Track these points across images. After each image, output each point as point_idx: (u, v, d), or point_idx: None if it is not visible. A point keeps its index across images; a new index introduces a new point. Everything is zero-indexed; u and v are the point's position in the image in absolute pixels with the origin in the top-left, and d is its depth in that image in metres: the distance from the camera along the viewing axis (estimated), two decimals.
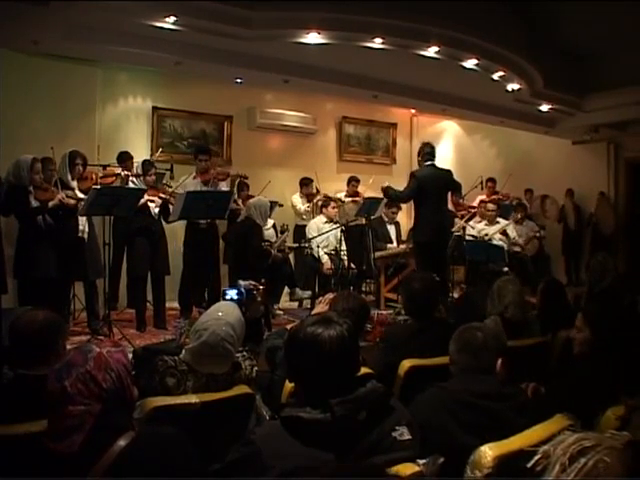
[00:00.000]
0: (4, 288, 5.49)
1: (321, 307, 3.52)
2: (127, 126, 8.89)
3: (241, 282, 3.70)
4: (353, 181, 9.65)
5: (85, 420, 1.76)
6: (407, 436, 2.00)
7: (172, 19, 6.33)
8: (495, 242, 8.84)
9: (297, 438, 1.86)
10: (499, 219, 9.33)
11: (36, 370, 2.53)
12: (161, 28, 6.48)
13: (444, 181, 7.07)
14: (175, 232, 7.37)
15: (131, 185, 6.73)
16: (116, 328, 6.12)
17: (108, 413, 1.80)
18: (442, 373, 2.75)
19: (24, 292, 5.81)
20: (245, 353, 3.02)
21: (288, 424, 1.88)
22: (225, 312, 2.82)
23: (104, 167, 6.96)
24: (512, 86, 8.30)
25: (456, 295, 8.06)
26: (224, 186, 7.43)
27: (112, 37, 6.86)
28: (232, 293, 3.61)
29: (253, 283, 3.69)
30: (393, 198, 7.52)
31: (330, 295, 3.68)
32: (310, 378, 1.95)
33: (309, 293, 8.10)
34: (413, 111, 11.77)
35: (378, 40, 6.81)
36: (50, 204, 5.89)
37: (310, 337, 1.96)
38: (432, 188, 6.87)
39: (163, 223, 6.88)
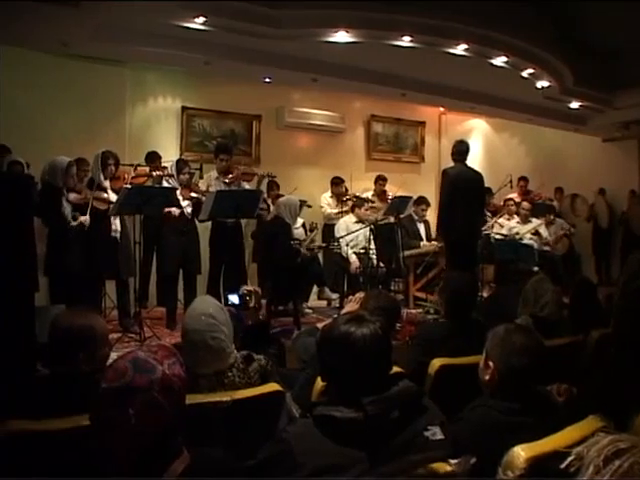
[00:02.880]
0: (36, 286, 5.55)
1: (351, 306, 3.51)
2: (156, 126, 8.95)
3: (243, 287, 3.70)
4: (380, 180, 9.62)
5: (142, 444, 1.64)
6: (439, 436, 1.99)
7: (201, 19, 6.37)
8: (525, 241, 8.76)
9: (329, 437, 1.85)
10: (531, 218, 9.25)
11: (72, 367, 2.56)
12: (190, 28, 6.52)
13: (476, 181, 7.01)
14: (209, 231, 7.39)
15: (164, 184, 6.77)
16: (147, 326, 6.18)
17: (166, 437, 1.67)
18: (473, 373, 2.72)
19: (55, 290, 5.86)
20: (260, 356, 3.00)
21: (320, 423, 1.88)
22: (199, 306, 2.83)
23: (135, 167, 7.01)
24: (542, 83, 8.22)
25: (485, 294, 8.00)
26: (248, 186, 7.46)
27: (141, 37, 6.91)
28: (233, 298, 3.60)
29: (248, 288, 3.68)
30: (444, 214, 7.09)
31: (360, 294, 3.67)
32: (343, 376, 1.95)
33: (337, 295, 8.11)
34: (442, 109, 11.70)
35: (407, 38, 6.78)
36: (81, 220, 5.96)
37: (343, 335, 1.95)
38: (464, 186, 6.81)
39: (196, 222, 6.92)
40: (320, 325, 3.73)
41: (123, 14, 6.16)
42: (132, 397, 1.62)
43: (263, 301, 7.40)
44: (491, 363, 2.36)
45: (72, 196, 6.02)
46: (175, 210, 6.64)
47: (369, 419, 1.85)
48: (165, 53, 7.27)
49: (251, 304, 3.64)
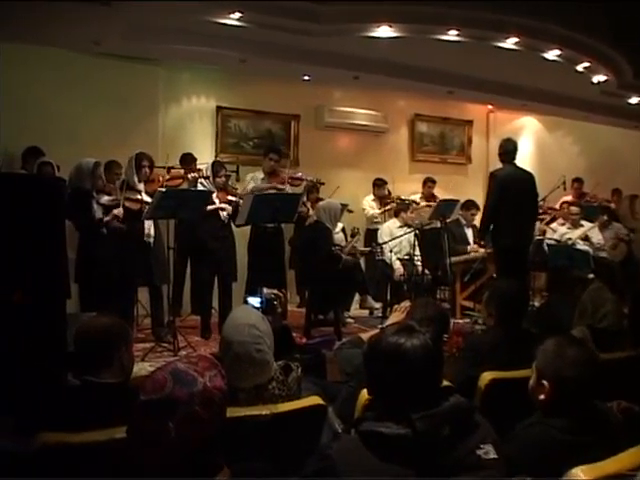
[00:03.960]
0: (68, 293, 5.64)
1: (397, 316, 3.49)
2: (191, 127, 9.03)
3: (265, 290, 3.68)
4: (429, 182, 9.57)
5: (181, 459, 1.65)
6: (492, 455, 1.96)
7: (237, 15, 6.43)
8: (579, 246, 8.63)
9: (376, 454, 1.84)
10: (583, 222, 9.09)
11: (101, 377, 2.60)
12: (225, 25, 6.58)
13: (527, 183, 6.93)
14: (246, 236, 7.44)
15: (200, 187, 6.83)
16: (180, 335, 6.24)
17: (206, 452, 1.68)
18: (527, 387, 2.68)
19: (86, 297, 5.93)
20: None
21: (366, 439, 1.87)
22: (241, 316, 2.81)
23: (169, 169, 7.08)
24: (598, 78, 8.11)
25: (537, 303, 7.89)
26: (290, 190, 7.49)
27: (175, 35, 7.01)
28: (254, 301, 3.60)
29: (275, 292, 3.66)
30: (492, 218, 7.00)
31: (406, 303, 3.65)
32: (391, 390, 1.94)
33: (380, 304, 8.09)
34: (490, 107, 11.59)
35: (453, 32, 6.76)
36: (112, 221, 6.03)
37: (392, 347, 1.94)
38: (514, 189, 6.74)
39: (233, 227, 6.97)
40: (363, 335, 3.72)
41: (156, 11, 6.24)
42: (172, 410, 1.62)
43: (301, 310, 7.46)
44: (545, 382, 2.32)
45: (103, 198, 6.10)
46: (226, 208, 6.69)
47: (418, 436, 1.84)
48: (199, 51, 7.36)
49: (279, 309, 3.64)
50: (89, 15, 6.14)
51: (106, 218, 5.98)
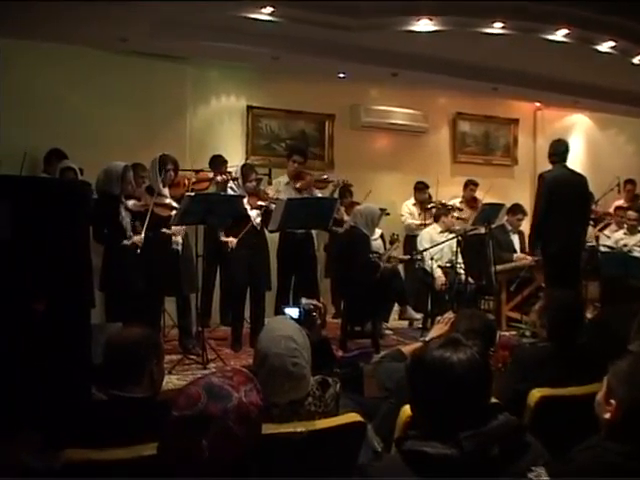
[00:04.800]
0: (92, 302, 5.70)
1: (440, 328, 3.47)
2: (220, 127, 9.08)
3: (303, 300, 3.68)
4: (471, 185, 9.52)
5: (214, 477, 1.65)
6: (545, 478, 1.93)
7: (269, 10, 6.46)
8: (636, 254, 8.50)
9: (420, 474, 1.83)
10: None
11: (129, 391, 2.62)
12: (257, 20, 6.61)
13: (578, 186, 6.85)
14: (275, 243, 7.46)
15: (229, 191, 6.87)
16: (209, 347, 6.27)
17: (240, 470, 1.69)
18: (580, 406, 2.64)
19: (111, 306, 5.99)
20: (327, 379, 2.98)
21: (410, 459, 1.85)
22: (277, 327, 2.80)
23: (197, 172, 7.11)
24: None
25: (589, 315, 7.78)
26: (319, 194, 7.50)
27: (204, 31, 7.06)
28: (292, 312, 3.59)
29: (314, 303, 3.65)
30: (541, 224, 6.94)
31: (450, 314, 3.62)
32: (436, 407, 1.92)
33: (420, 315, 8.06)
34: (538, 104, 11.49)
35: (498, 25, 6.73)
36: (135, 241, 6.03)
37: (437, 361, 1.93)
38: (564, 192, 6.67)
39: (266, 233, 6.99)
40: (404, 349, 3.71)
41: (184, 7, 6.29)
42: (205, 427, 1.63)
43: (337, 321, 7.46)
44: (613, 401, 2.28)
45: (131, 203, 6.15)
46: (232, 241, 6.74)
47: (465, 456, 1.82)
48: (230, 48, 7.41)
49: (318, 321, 3.64)
50: (115, 10, 6.22)
51: (125, 242, 6.00)
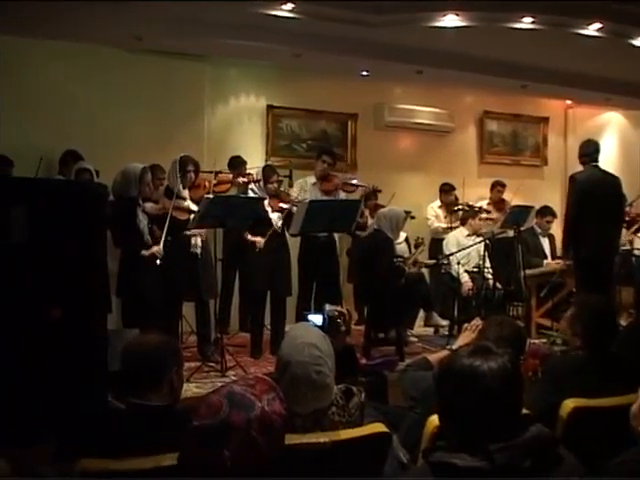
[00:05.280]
0: (108, 307, 5.73)
1: (468, 335, 3.46)
2: (239, 128, 9.11)
3: (327, 307, 3.67)
4: (498, 186, 9.48)
5: None
6: None
7: (289, 6, 6.48)
8: None
9: None
10: None
11: (148, 399, 2.63)
12: (277, 17, 6.63)
13: (611, 187, 6.81)
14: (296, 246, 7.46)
15: (250, 193, 6.89)
16: (228, 354, 6.28)
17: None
18: (614, 418, 2.61)
19: (128, 312, 6.01)
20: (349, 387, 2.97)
21: (438, 471, 1.85)
22: (300, 334, 2.80)
23: (216, 174, 7.13)
24: None
25: (623, 322, 7.71)
26: (344, 196, 7.50)
27: (222, 29, 7.09)
28: (316, 319, 3.59)
29: (338, 309, 3.65)
30: (572, 227, 6.93)
31: (477, 321, 3.61)
32: (465, 418, 1.91)
33: (447, 322, 8.03)
34: (568, 102, 11.42)
35: (527, 20, 6.70)
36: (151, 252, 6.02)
37: (467, 370, 1.92)
38: (596, 194, 6.63)
39: (287, 236, 7.00)
40: (430, 357, 3.69)
41: (201, 3, 6.32)
42: (227, 437, 1.64)
43: (360, 327, 7.45)
44: None
45: (148, 206, 6.17)
46: (260, 240, 6.75)
47: (496, 469, 1.81)
48: (249, 45, 7.43)
49: (342, 328, 3.63)
50: (130, 8, 6.26)
51: (144, 252, 5.99)
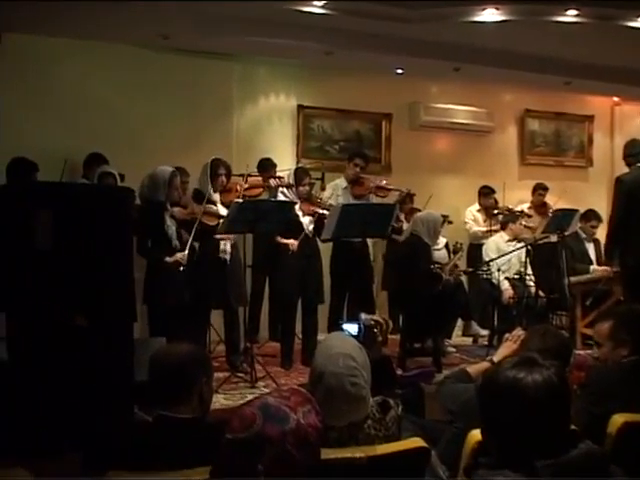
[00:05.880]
0: (134, 315, 5.77)
1: (509, 347, 3.44)
2: (269, 128, 9.14)
3: (363, 315, 3.67)
4: (540, 189, 9.41)
5: None
6: None
7: (320, 2, 6.50)
8: None
9: None
10: None
11: (176, 412, 2.65)
12: (308, 13, 6.65)
13: None
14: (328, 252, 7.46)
15: (280, 197, 6.92)
16: (258, 364, 6.31)
17: None
18: None
19: (155, 321, 6.04)
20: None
21: None
22: (335, 344, 2.80)
23: (246, 177, 7.15)
24: None
25: None
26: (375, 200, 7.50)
27: (251, 26, 7.13)
28: (351, 328, 3.59)
29: (375, 318, 3.65)
30: (619, 232, 6.92)
31: (519, 331, 3.59)
32: (509, 433, 1.90)
33: (486, 332, 7.99)
34: (615, 99, 11.32)
35: (572, 12, 6.65)
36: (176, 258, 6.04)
37: (510, 382, 1.91)
38: None
39: (318, 242, 7.02)
40: (470, 369, 3.68)
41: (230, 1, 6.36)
42: (261, 450, 1.65)
43: (395, 337, 7.42)
44: None
45: (176, 210, 6.20)
46: (293, 243, 6.76)
47: None
48: (279, 43, 7.47)
49: (379, 337, 3.63)
50: (157, 6, 6.32)
51: (167, 259, 6.00)
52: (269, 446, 1.65)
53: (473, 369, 3.65)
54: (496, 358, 3.45)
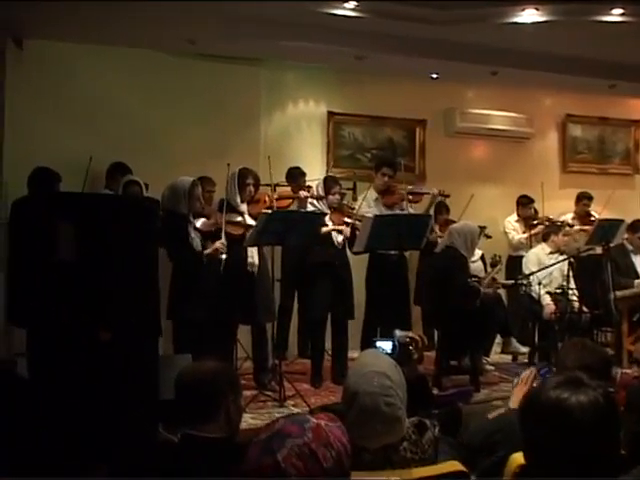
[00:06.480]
0: (159, 331, 5.80)
1: (521, 390, 3.42)
2: (297, 136, 9.17)
3: (397, 332, 3.67)
4: (584, 198, 9.35)
5: None
6: None
7: (351, 4, 6.52)
8: None
9: None
10: None
11: (203, 431, 2.66)
12: (338, 16, 6.67)
13: None
14: (362, 265, 7.47)
15: (310, 208, 6.95)
16: (287, 382, 6.31)
17: None
18: None
19: (180, 336, 6.06)
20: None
21: None
22: (369, 362, 2.79)
23: (274, 187, 7.17)
24: None
25: None
26: (412, 209, 7.49)
27: (279, 30, 7.16)
28: (385, 346, 3.59)
29: (410, 335, 3.64)
30: None
31: (530, 371, 3.58)
32: (553, 457, 1.89)
33: (526, 349, 7.94)
34: None
35: (617, 11, 6.61)
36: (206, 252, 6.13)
37: (553, 403, 1.89)
38: None
39: (348, 254, 7.03)
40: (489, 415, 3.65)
41: (257, 3, 6.39)
42: (281, 442, 1.73)
43: (430, 354, 7.40)
44: None
45: (200, 222, 6.25)
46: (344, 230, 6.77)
47: None
48: (308, 47, 7.50)
49: (415, 355, 3.62)
50: (182, 10, 6.38)
51: (206, 251, 6.10)
52: (288, 439, 1.73)
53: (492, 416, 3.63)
54: (512, 404, 3.43)
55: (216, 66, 8.27)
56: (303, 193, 7.04)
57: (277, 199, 6.99)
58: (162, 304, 5.92)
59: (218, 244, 6.12)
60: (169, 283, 6.13)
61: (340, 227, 6.93)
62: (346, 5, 6.56)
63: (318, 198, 6.98)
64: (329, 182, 7.15)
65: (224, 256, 6.08)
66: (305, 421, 1.80)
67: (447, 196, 8.13)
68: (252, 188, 6.72)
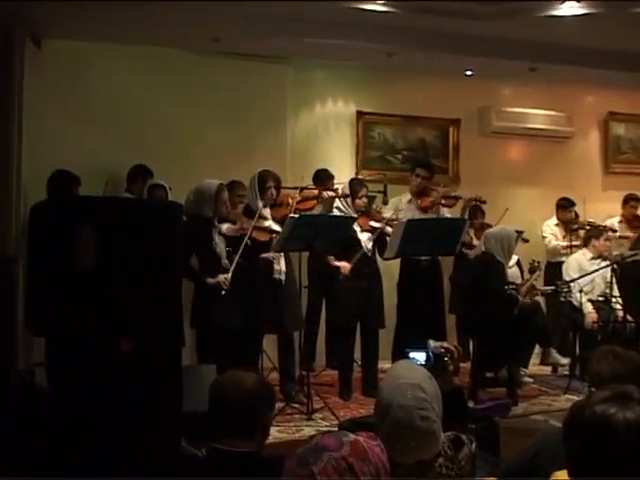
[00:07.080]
0: (182, 340, 5.82)
1: None
2: (325, 137, 9.17)
3: (431, 343, 3.66)
4: (632, 200, 9.27)
5: None
6: None
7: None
8: None
9: None
10: None
11: (233, 445, 2.67)
12: (368, 11, 6.68)
13: None
14: (392, 272, 7.48)
15: (336, 212, 6.95)
16: (315, 394, 6.34)
17: None
18: None
19: (204, 346, 6.10)
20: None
21: None
22: (403, 374, 2.78)
23: (301, 190, 7.17)
24: None
25: None
26: (448, 213, 7.48)
27: (306, 27, 7.17)
28: (419, 357, 3.58)
29: (445, 346, 3.62)
30: None
31: None
32: (597, 474, 1.88)
33: (567, 361, 7.89)
34: None
35: None
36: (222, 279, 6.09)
37: (598, 419, 1.88)
38: None
39: (378, 260, 7.03)
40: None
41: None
42: (318, 455, 1.79)
43: (465, 365, 7.38)
44: None
45: (225, 227, 6.27)
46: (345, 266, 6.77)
47: None
48: (336, 45, 7.51)
49: (450, 367, 3.61)
50: (207, 7, 6.41)
51: (209, 281, 6.06)
52: (325, 452, 1.78)
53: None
54: None
55: (240, 64, 8.28)
56: (326, 193, 7.02)
57: (300, 201, 6.98)
58: (185, 312, 5.99)
59: (221, 278, 6.05)
60: (192, 290, 6.16)
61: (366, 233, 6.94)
62: (378, 0, 6.56)
63: (344, 196, 6.94)
64: (355, 185, 7.10)
65: (223, 292, 6.03)
66: (343, 435, 1.85)
67: (483, 202, 8.11)
68: (274, 191, 6.73)
